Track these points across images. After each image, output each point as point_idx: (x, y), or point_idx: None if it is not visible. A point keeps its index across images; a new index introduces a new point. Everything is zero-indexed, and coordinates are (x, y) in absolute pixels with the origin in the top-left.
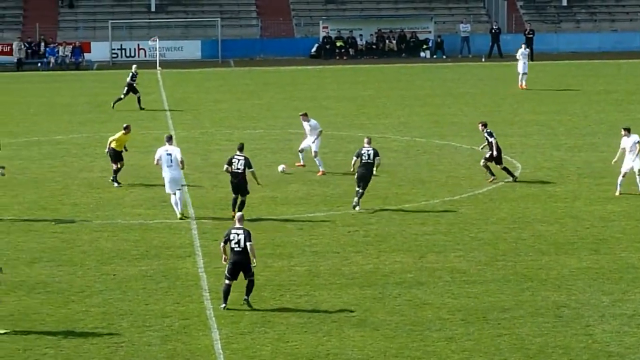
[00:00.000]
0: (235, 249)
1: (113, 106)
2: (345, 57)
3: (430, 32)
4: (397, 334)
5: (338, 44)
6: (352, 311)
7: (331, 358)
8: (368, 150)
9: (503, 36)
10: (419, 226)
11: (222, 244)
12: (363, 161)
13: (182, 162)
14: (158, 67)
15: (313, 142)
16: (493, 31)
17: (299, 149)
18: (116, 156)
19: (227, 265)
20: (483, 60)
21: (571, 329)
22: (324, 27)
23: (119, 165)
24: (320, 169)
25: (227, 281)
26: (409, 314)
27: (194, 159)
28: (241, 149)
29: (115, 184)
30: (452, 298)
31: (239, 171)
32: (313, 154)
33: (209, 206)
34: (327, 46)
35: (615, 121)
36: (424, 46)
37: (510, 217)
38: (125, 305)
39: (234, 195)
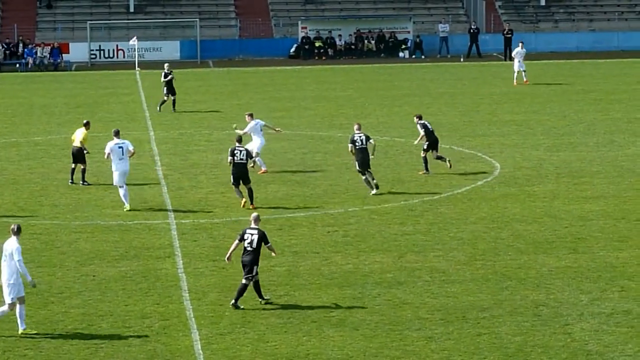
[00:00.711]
0: (247, 249)
1: (159, 109)
2: (324, 58)
3: (409, 32)
4: (376, 333)
5: (317, 44)
6: (331, 311)
7: (311, 358)
8: (360, 136)
9: (482, 36)
10: (398, 226)
11: (236, 240)
12: (358, 147)
13: (133, 153)
14: (137, 68)
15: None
16: (472, 31)
17: (255, 154)
18: (81, 155)
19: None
20: (462, 60)
21: (550, 328)
22: (302, 28)
23: (83, 166)
24: (263, 168)
25: (244, 281)
26: (389, 313)
27: (173, 159)
28: (239, 140)
29: (86, 184)
30: (432, 297)
31: (242, 162)
32: (254, 153)
33: (188, 206)
34: (306, 46)
35: (593, 121)
36: (403, 46)
37: (489, 217)
38: (105, 306)
39: (235, 187)
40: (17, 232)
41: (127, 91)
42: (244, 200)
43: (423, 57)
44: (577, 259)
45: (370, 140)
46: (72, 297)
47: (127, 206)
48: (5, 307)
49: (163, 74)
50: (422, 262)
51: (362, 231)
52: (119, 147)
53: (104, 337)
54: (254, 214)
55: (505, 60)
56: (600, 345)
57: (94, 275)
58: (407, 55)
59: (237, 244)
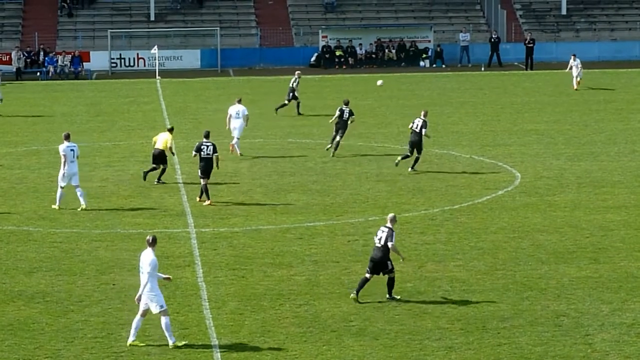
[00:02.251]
0: (377, 245)
1: (276, 111)
2: (344, 67)
3: (429, 41)
4: (396, 343)
5: (337, 53)
6: (351, 320)
7: None
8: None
9: (502, 45)
10: (418, 235)
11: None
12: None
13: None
14: (157, 77)
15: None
16: (492, 40)
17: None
18: (163, 157)
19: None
20: (482, 69)
21: (571, 338)
22: (323, 37)
23: (164, 167)
24: (238, 151)
25: (367, 275)
26: (408, 323)
27: (193, 168)
28: (207, 136)
29: (160, 182)
30: (452, 307)
31: (209, 156)
32: (235, 140)
33: (209, 215)
34: (327, 55)
35: (614, 130)
36: (424, 55)
37: (509, 227)
38: (125, 315)
39: (203, 181)
40: (153, 243)
41: (147, 99)
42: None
43: (444, 66)
44: (598, 269)
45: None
46: (92, 305)
47: (83, 205)
48: (161, 317)
49: (294, 79)
50: (442, 271)
51: None
52: (71, 150)
53: (124, 346)
54: (391, 215)
55: (526, 69)
56: (621, 356)
57: (113, 284)
58: (427, 65)
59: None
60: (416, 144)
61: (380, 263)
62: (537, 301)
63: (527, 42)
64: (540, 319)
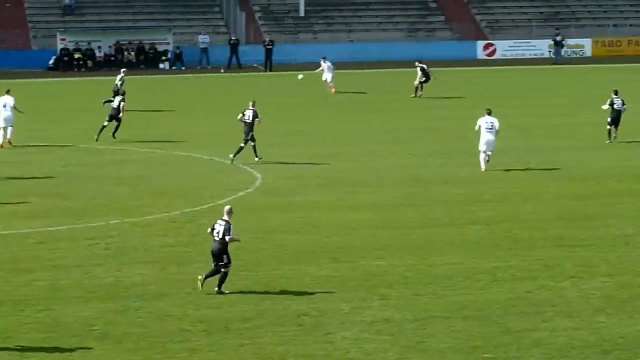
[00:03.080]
0: (215, 239)
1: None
2: (83, 69)
3: (169, 43)
4: (139, 346)
5: (76, 55)
6: (94, 325)
7: None
8: (250, 112)
9: (242, 47)
10: (160, 238)
11: (208, 229)
12: (246, 122)
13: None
14: None
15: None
16: (232, 42)
17: None
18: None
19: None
20: (222, 71)
21: (312, 337)
22: (61, 39)
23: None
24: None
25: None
26: (152, 326)
27: None
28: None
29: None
30: (195, 309)
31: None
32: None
33: None
34: (65, 58)
35: (355, 131)
36: (163, 57)
37: (251, 228)
38: None
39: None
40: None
41: None
42: None
43: (183, 68)
44: (339, 268)
45: (257, 119)
46: None
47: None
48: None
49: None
50: (184, 273)
51: (124, 243)
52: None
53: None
54: (227, 207)
55: (265, 71)
56: (361, 354)
57: None
58: (167, 67)
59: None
60: (249, 133)
61: (218, 256)
62: (279, 301)
63: (266, 43)
64: (282, 319)
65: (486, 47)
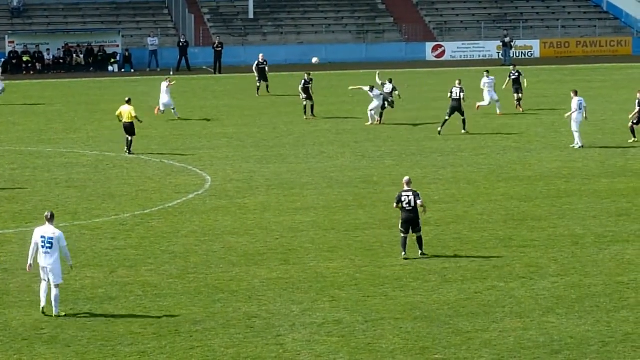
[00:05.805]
0: (407, 208)
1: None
2: (32, 72)
3: (118, 45)
4: (88, 349)
5: (25, 58)
6: (42, 328)
7: None
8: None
9: (191, 49)
10: (109, 241)
11: (394, 204)
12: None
13: None
14: None
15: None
16: (181, 44)
17: None
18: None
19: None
20: (172, 73)
21: (262, 339)
22: (10, 42)
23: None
24: None
25: (402, 235)
26: (101, 329)
27: None
28: None
29: None
30: (144, 312)
31: None
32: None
33: None
34: (14, 61)
35: (303, 132)
36: (112, 60)
37: (201, 230)
38: None
39: None
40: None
41: None
42: None
43: (132, 70)
44: (289, 270)
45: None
46: None
47: None
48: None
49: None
50: (134, 276)
51: (73, 247)
52: None
53: None
54: (406, 178)
55: (215, 73)
56: (312, 356)
57: None
58: (116, 69)
59: (395, 207)
60: (457, 108)
61: (414, 222)
62: (229, 303)
63: (215, 45)
64: (232, 321)
65: (435, 48)
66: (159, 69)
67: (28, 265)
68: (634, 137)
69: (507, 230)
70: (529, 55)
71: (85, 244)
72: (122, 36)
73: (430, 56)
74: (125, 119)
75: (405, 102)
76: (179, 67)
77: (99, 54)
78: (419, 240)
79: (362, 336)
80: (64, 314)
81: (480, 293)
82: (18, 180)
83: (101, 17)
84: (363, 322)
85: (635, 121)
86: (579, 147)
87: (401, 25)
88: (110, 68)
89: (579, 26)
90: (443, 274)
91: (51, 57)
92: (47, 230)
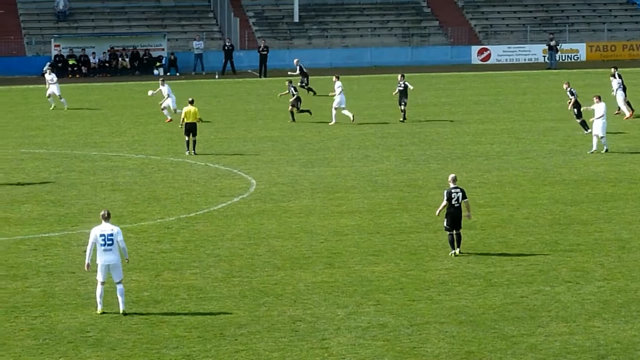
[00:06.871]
0: (455, 205)
1: None
2: (78, 76)
3: (163, 49)
4: (134, 352)
5: (70, 62)
6: (88, 331)
7: None
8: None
9: (236, 53)
10: (154, 244)
11: (444, 201)
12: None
13: None
14: None
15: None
16: (226, 48)
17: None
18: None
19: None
20: (217, 77)
21: (307, 343)
22: (55, 45)
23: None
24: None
25: (448, 232)
26: (146, 332)
27: None
28: None
29: None
30: (189, 315)
31: None
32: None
33: None
34: (60, 64)
35: (348, 136)
36: (157, 64)
37: (245, 234)
38: None
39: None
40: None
41: None
42: None
43: (178, 74)
44: (333, 274)
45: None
46: None
47: None
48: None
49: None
50: (179, 279)
51: None
52: None
53: None
54: (452, 175)
55: (260, 76)
56: (357, 359)
57: None
58: (161, 73)
59: (445, 204)
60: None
61: (460, 218)
62: (274, 307)
63: (260, 49)
64: (277, 325)
65: (481, 52)
66: (204, 73)
67: (86, 264)
68: None
69: (552, 234)
70: (575, 58)
71: (130, 247)
72: (168, 40)
73: (475, 59)
74: (190, 119)
75: (451, 106)
76: (224, 71)
77: (145, 57)
78: (459, 238)
79: (407, 340)
80: (132, 311)
81: (525, 297)
82: (63, 183)
83: (147, 20)
84: (408, 326)
85: None
86: (604, 152)
87: (446, 28)
88: (155, 72)
89: (625, 29)
90: (488, 278)
91: (97, 61)
92: (105, 228)
